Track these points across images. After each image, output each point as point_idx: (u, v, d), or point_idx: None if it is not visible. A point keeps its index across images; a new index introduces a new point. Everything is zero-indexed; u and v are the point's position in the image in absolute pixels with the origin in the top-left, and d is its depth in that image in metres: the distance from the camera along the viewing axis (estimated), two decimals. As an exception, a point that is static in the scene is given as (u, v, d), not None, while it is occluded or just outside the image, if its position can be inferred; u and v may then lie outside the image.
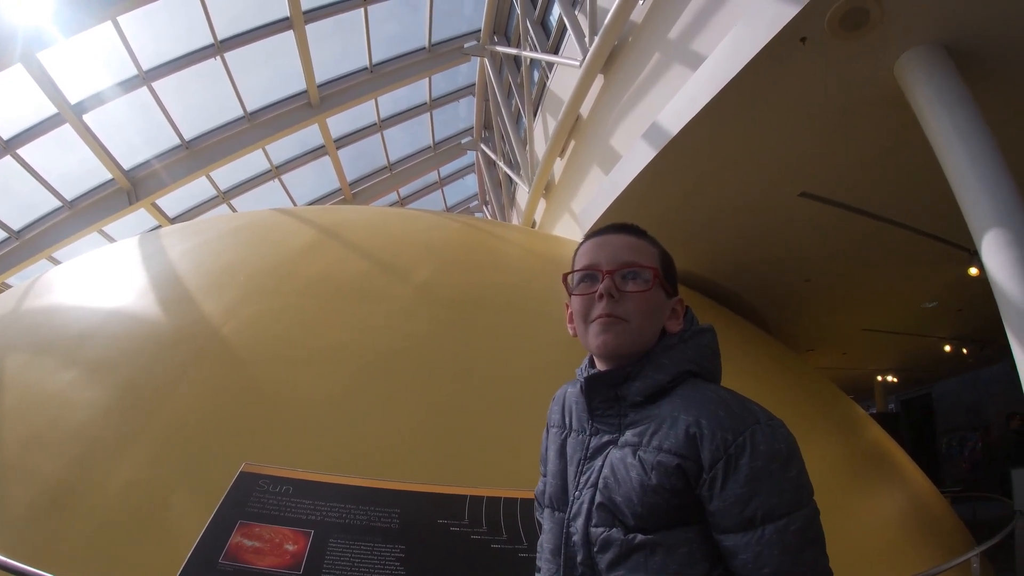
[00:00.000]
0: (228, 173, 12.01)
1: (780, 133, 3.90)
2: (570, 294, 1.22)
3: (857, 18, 2.89)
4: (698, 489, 1.01)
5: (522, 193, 10.92)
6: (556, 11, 8.02)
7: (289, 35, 9.46)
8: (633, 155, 4.60)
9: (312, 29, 9.53)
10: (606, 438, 1.14)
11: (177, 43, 9.35)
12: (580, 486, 1.13)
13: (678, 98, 3.98)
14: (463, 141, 14.97)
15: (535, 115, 9.75)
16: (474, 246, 5.25)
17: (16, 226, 10.22)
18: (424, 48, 11.51)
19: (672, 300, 1.21)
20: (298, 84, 10.76)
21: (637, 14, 5.83)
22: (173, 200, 11.73)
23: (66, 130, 9.13)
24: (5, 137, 8.90)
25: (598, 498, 1.09)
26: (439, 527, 2.18)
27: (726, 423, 1.02)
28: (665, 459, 1.03)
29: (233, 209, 12.56)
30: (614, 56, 6.42)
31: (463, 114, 14.97)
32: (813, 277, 6.56)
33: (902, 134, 3.51)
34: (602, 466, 1.11)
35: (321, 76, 10.78)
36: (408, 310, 4.05)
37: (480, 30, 11.28)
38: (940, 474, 12.71)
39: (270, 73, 10.84)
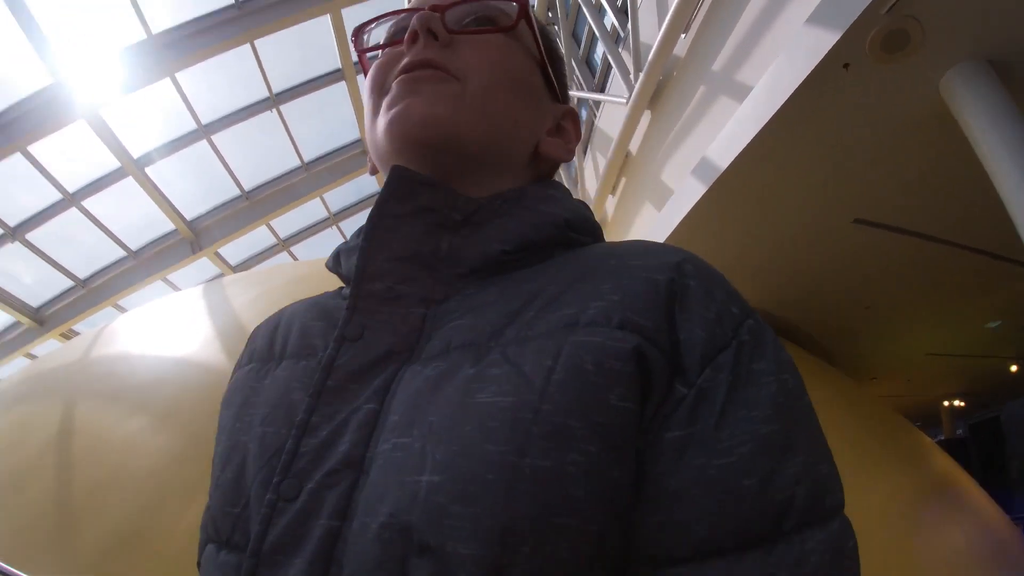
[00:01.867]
0: (287, 221, 12.32)
1: (829, 162, 3.87)
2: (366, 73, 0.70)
3: (898, 40, 2.86)
4: (655, 415, 0.48)
5: (573, 230, 10.91)
6: (600, 49, 8.09)
7: (342, 86, 9.74)
8: (684, 192, 4.60)
9: (363, 80, 9.75)
10: (384, 348, 0.53)
11: (234, 97, 9.71)
12: (300, 472, 0.48)
13: (724, 133, 3.98)
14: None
15: (585, 154, 9.80)
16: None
17: (82, 275, 10.67)
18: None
19: (559, 106, 0.75)
20: (352, 133, 11.05)
21: (680, 48, 5.85)
22: (235, 248, 12.07)
23: (129, 182, 9.50)
24: (71, 190, 9.28)
25: (366, 496, 0.46)
26: None
27: (725, 284, 0.55)
28: (606, 337, 0.49)
29: (293, 257, 12.88)
30: (659, 91, 6.43)
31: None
32: (873, 304, 6.42)
33: (953, 152, 3.45)
34: (380, 410, 0.50)
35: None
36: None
37: (527, 71, 11.42)
38: (1013, 500, 12.14)
39: (325, 123, 11.16)
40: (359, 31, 0.72)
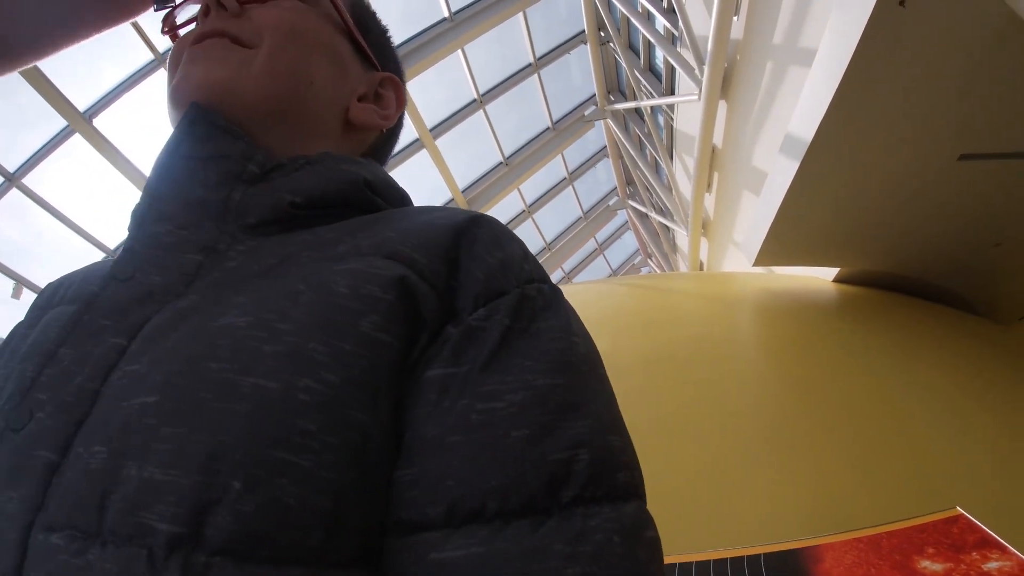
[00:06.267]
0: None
1: (915, 106, 3.64)
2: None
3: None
4: (420, 358, 0.44)
5: (681, 237, 10.74)
6: (660, 54, 8.02)
7: (423, 154, 10.02)
8: (777, 171, 4.46)
9: (442, 142, 10.07)
10: (149, 288, 0.48)
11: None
12: (34, 402, 0.43)
13: (802, 103, 3.84)
14: (611, 203, 15.00)
15: (671, 158, 9.68)
16: (645, 306, 5.21)
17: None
18: (549, 128, 11.78)
19: (376, 73, 0.73)
20: (444, 194, 11.32)
21: (736, 31, 5.72)
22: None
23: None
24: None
25: (88, 426, 0.40)
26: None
27: (521, 245, 0.54)
28: (367, 264, 0.47)
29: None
30: (728, 79, 6.30)
31: (603, 177, 15.07)
32: (1003, 240, 5.94)
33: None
34: (127, 346, 0.44)
35: (463, 182, 11.28)
36: (591, 387, 4.02)
37: (595, 94, 11.44)
38: None
39: (418, 192, 11.46)
40: (167, 17, 0.70)
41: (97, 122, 6.37)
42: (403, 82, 0.78)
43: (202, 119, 0.56)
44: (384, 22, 0.78)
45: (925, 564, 1.86)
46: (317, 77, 0.65)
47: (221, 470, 0.36)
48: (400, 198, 0.64)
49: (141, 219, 0.53)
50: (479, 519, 0.38)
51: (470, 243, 0.49)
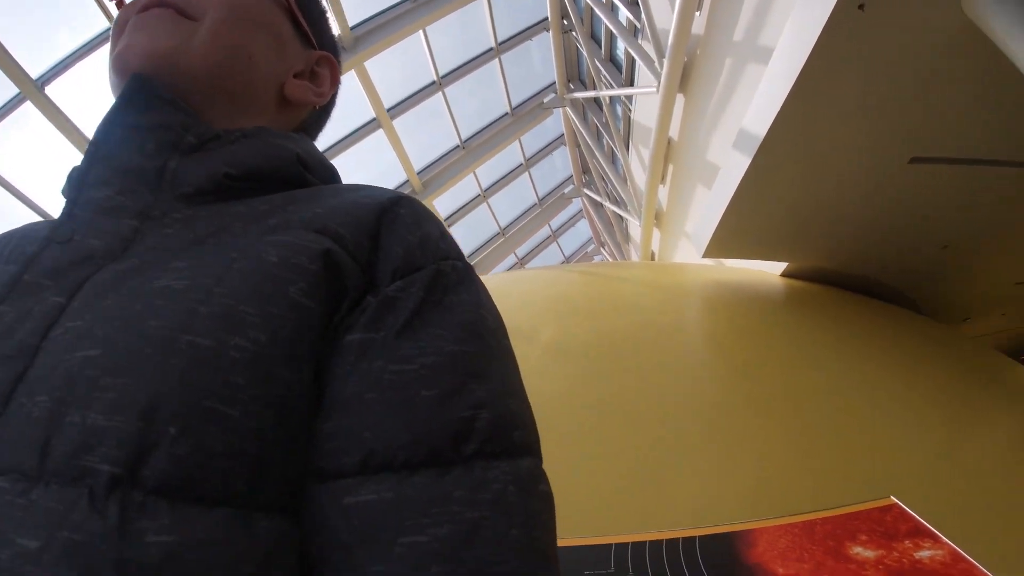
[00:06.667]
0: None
1: (870, 107, 3.72)
2: None
3: (904, -32, 2.74)
4: (340, 323, 0.48)
5: (634, 227, 10.85)
6: (622, 45, 8.06)
7: (379, 134, 9.92)
8: (730, 166, 4.51)
9: (399, 123, 9.98)
10: (88, 251, 0.50)
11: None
12: None
13: (758, 99, 3.89)
14: (566, 191, 15.06)
15: (628, 149, 9.75)
16: (595, 293, 5.24)
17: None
18: (507, 113, 11.77)
19: (314, 52, 0.76)
20: (399, 175, 11.23)
21: (697, 26, 5.78)
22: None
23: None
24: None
25: (28, 379, 0.42)
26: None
27: (441, 225, 0.58)
28: (297, 237, 0.50)
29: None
30: (688, 73, 6.36)
31: (559, 165, 15.15)
32: (949, 243, 6.12)
33: (995, 69, 3.28)
34: (66, 304, 0.46)
35: (418, 164, 11.21)
36: (540, 370, 4.03)
37: (555, 82, 11.45)
38: None
39: (373, 173, 11.38)
40: None
41: (50, 90, 6.18)
42: (339, 62, 0.80)
43: (144, 89, 0.58)
44: (323, 2, 0.81)
45: (858, 550, 1.92)
46: (257, 53, 0.67)
47: (159, 417, 0.39)
48: (330, 175, 0.68)
49: (80, 183, 0.55)
50: (390, 467, 0.42)
51: (391, 221, 0.54)
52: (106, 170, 0.55)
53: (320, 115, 0.80)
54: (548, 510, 0.45)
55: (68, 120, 6.36)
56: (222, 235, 0.51)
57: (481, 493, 0.41)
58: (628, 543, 2.22)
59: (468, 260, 0.57)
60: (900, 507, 2.07)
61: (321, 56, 0.76)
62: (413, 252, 0.52)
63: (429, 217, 0.56)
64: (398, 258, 0.51)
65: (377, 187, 0.60)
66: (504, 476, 0.43)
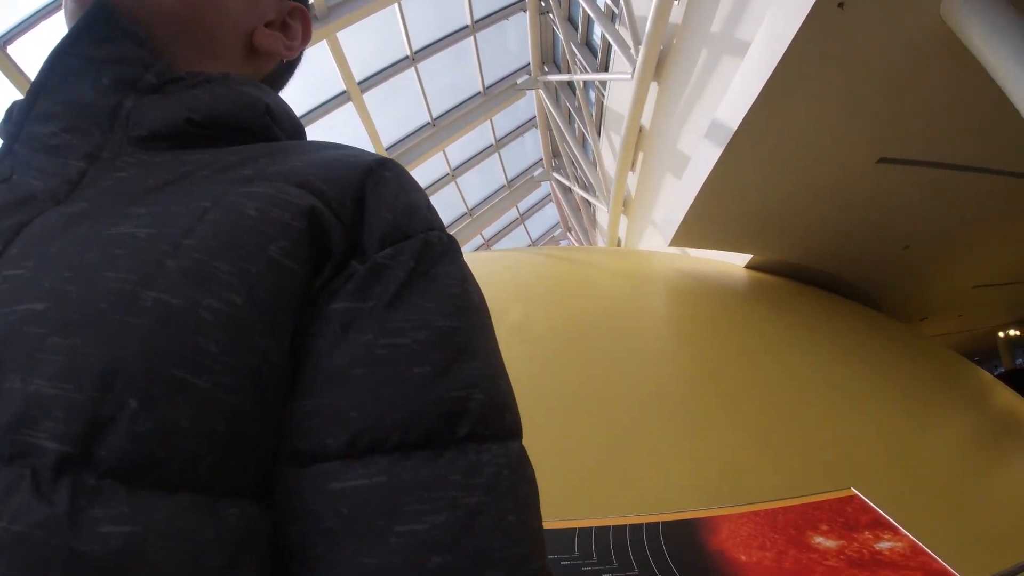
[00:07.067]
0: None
1: (842, 105, 3.76)
2: None
3: (887, -31, 2.76)
4: (323, 288, 0.44)
5: (602, 213, 10.88)
6: (598, 29, 8.04)
7: (349, 107, 9.80)
8: (700, 157, 4.53)
9: (369, 96, 9.83)
10: (28, 192, 0.45)
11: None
12: None
13: (731, 92, 3.91)
14: (535, 174, 15.06)
15: (599, 135, 9.75)
16: (561, 277, 5.25)
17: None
18: (480, 93, 11.69)
19: (284, 2, 0.71)
20: (367, 150, 11.11)
21: (676, 15, 5.79)
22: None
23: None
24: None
25: None
26: (550, 563, 2.15)
27: (424, 196, 0.54)
28: (278, 190, 0.45)
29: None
30: (663, 62, 6.38)
31: (529, 147, 15.10)
32: (911, 243, 6.24)
33: (968, 76, 3.34)
34: (3, 251, 0.40)
35: (387, 139, 11.07)
36: (504, 354, 4.02)
37: (529, 63, 11.40)
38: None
39: (340, 146, 11.25)
40: None
41: (12, 50, 5.96)
42: (312, 16, 0.75)
43: (105, 18, 0.53)
44: None
45: (819, 540, 1.96)
46: (232, 16, 0.62)
47: (117, 386, 0.34)
48: (297, 130, 0.63)
49: (23, 114, 0.49)
50: (380, 449, 0.38)
51: (376, 183, 0.49)
52: (53, 104, 0.50)
53: (285, 70, 0.75)
54: (535, 494, 0.44)
55: (30, 80, 6.16)
56: (186, 182, 0.46)
57: (476, 477, 0.39)
58: (591, 528, 2.24)
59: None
60: (861, 498, 2.11)
61: (294, 7, 0.71)
62: (401, 219, 0.48)
63: (415, 185, 0.53)
64: (386, 223, 0.47)
65: (355, 147, 0.56)
66: (497, 460, 0.40)
